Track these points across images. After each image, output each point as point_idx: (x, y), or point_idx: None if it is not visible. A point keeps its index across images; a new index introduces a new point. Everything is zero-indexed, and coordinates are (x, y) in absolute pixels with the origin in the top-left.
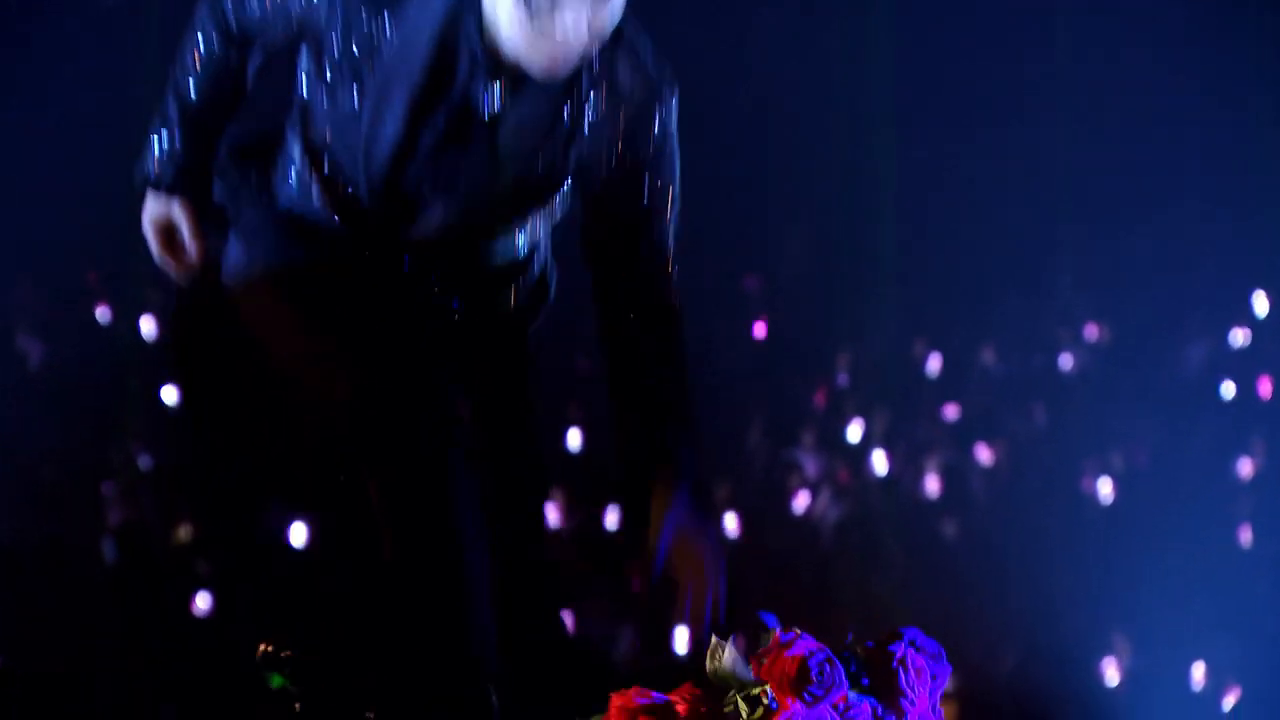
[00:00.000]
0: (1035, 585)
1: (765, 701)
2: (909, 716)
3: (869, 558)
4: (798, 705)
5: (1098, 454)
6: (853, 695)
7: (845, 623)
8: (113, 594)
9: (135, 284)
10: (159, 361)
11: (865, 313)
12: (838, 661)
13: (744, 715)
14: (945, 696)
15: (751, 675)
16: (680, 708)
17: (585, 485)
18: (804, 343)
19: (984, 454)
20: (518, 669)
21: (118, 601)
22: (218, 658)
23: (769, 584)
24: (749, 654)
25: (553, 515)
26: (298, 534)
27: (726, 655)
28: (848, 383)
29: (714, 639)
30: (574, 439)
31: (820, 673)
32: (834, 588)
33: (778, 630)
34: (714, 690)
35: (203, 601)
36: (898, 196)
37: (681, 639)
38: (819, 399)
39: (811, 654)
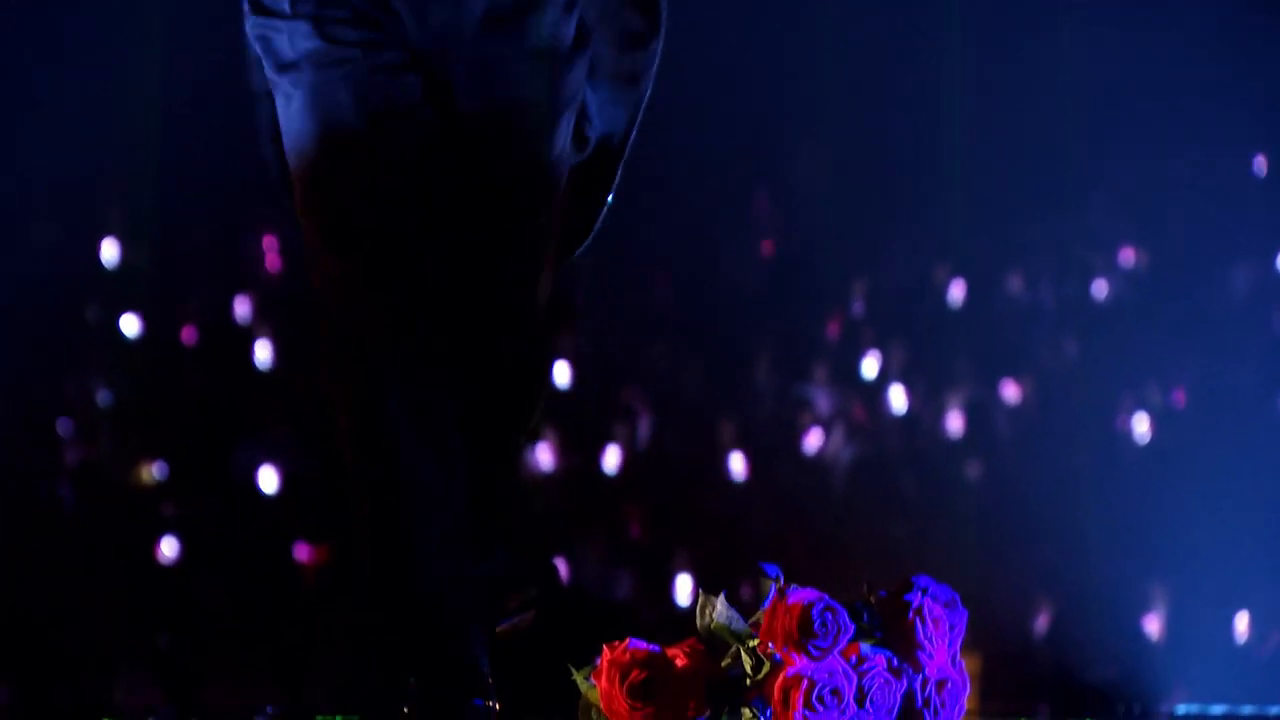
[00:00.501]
0: (1066, 532)
1: (770, 653)
2: (927, 670)
3: (886, 502)
4: (804, 661)
5: (1134, 389)
6: (866, 648)
7: (859, 572)
8: (70, 540)
9: (91, 202)
10: (118, 287)
11: (883, 236)
12: (840, 607)
13: (747, 669)
14: (968, 649)
15: (745, 627)
16: (680, 662)
17: (578, 424)
18: (816, 268)
19: (1010, 390)
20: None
21: (76, 548)
22: (185, 608)
23: (777, 530)
24: (757, 607)
25: (545, 458)
26: (268, 478)
27: (718, 609)
28: (863, 312)
29: (703, 594)
30: (562, 375)
31: (823, 623)
32: (847, 534)
33: (775, 584)
34: (717, 645)
35: (169, 548)
36: (919, 109)
37: (684, 588)
38: (832, 329)
39: (811, 604)
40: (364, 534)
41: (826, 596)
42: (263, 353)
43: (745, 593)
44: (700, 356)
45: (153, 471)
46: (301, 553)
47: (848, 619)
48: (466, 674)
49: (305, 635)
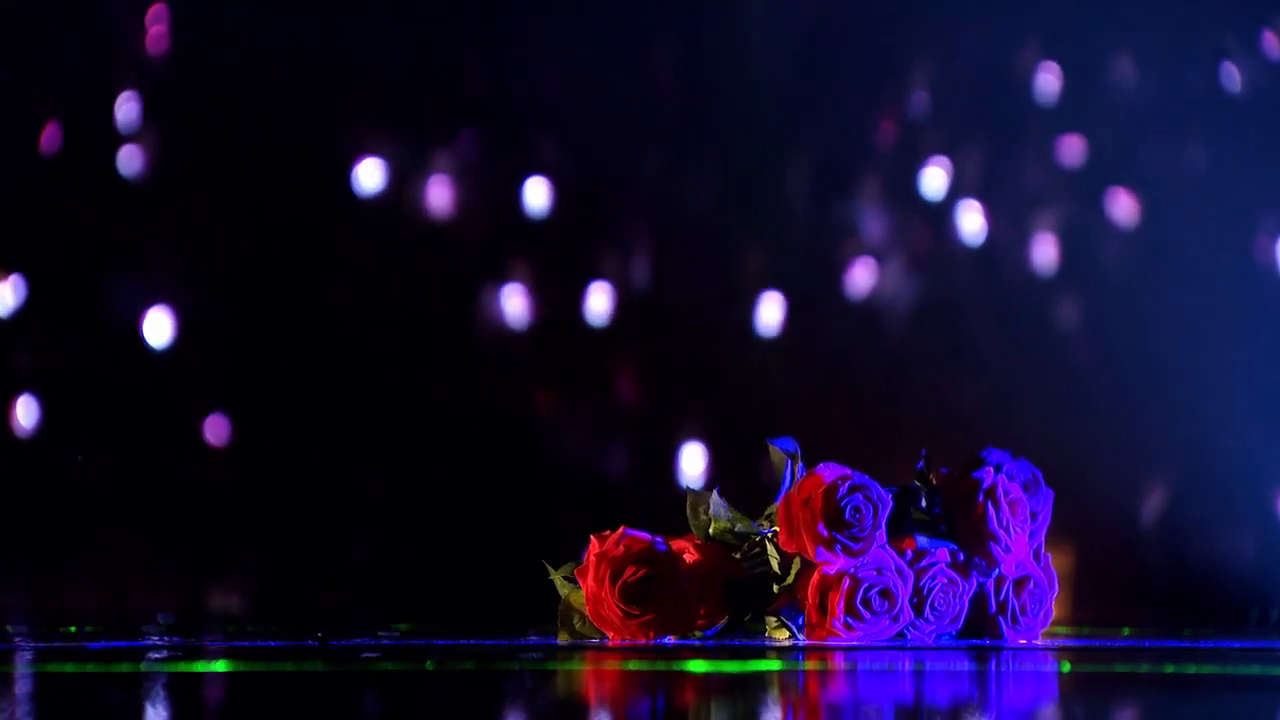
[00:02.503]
0: (1186, 392)
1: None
2: (1003, 566)
3: (954, 356)
4: (842, 558)
5: (1276, 207)
6: (924, 540)
7: (918, 446)
8: None
9: None
10: None
11: (952, 4)
12: (870, 481)
13: (775, 567)
14: (1055, 541)
15: (753, 528)
16: (689, 557)
17: (555, 258)
18: (863, 46)
19: (1118, 209)
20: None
21: None
22: (49, 490)
23: (816, 391)
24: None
25: (514, 302)
26: (157, 326)
27: (714, 508)
28: (927, 106)
29: (690, 491)
30: (536, 193)
31: (855, 509)
32: (904, 397)
33: (791, 462)
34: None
35: (25, 413)
36: None
37: (693, 460)
38: (885, 130)
39: (834, 484)
40: None
41: (851, 471)
42: (146, 162)
43: (771, 473)
44: (713, 166)
45: (3, 307)
46: (201, 423)
47: (881, 491)
48: None
49: (206, 527)
